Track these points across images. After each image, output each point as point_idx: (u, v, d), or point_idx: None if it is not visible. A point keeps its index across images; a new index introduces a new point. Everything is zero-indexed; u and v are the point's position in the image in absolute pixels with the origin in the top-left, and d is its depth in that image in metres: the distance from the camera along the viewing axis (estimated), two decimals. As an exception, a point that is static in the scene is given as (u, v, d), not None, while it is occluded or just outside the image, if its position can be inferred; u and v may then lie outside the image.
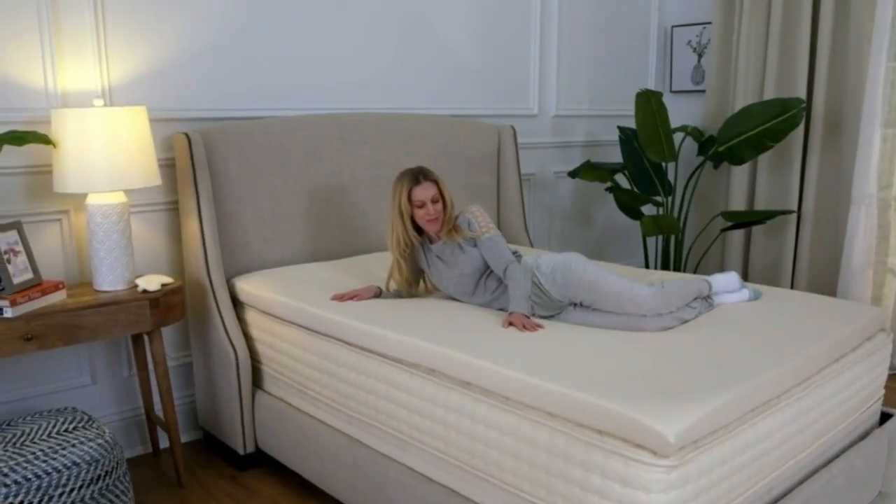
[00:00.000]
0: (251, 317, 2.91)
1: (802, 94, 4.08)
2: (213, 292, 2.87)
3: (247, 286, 2.91)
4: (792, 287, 4.28)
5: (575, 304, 2.50)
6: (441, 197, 2.58)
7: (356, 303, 2.64)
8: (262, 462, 2.93)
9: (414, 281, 2.78)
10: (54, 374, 2.85)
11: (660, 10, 4.80)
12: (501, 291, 2.58)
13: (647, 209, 4.48)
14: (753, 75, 4.30)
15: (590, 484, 1.76)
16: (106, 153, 2.53)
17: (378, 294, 2.74)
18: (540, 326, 2.35)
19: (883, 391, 2.63)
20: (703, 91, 4.61)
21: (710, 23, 4.53)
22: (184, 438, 3.15)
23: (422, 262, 2.74)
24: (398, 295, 2.78)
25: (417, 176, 2.58)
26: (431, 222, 2.59)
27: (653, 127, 3.78)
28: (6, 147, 2.53)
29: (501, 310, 2.57)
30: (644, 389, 1.82)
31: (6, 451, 2.24)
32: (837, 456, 2.33)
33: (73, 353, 2.88)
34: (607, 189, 4.18)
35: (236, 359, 2.82)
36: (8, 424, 2.44)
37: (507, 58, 4.10)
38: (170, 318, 2.68)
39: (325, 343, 2.54)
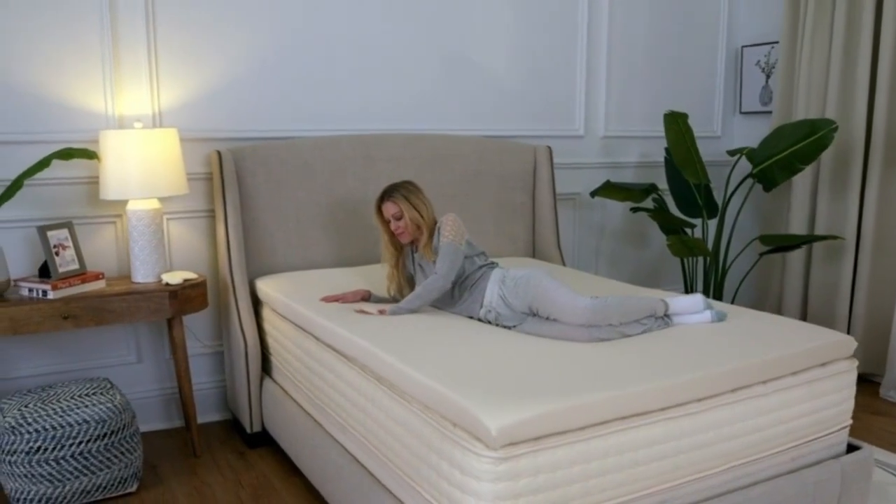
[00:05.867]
0: (266, 313, 3.29)
1: (862, 116, 3.89)
2: (234, 289, 3.29)
3: (263, 286, 3.30)
4: (850, 317, 4.04)
5: (534, 315, 2.64)
6: (403, 215, 2.81)
7: (340, 305, 2.93)
8: (271, 443, 3.30)
9: (407, 285, 3.02)
10: (107, 352, 3.39)
11: (729, 30, 4.71)
12: (466, 298, 2.77)
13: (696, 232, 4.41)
14: (815, 96, 4.13)
15: (441, 469, 1.93)
16: (140, 167, 3.02)
17: (367, 297, 3.02)
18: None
19: (849, 422, 2.52)
20: (771, 112, 4.46)
21: (777, 42, 4.40)
22: (214, 418, 3.60)
23: (410, 268, 2.98)
24: (394, 299, 3.02)
25: (384, 194, 2.84)
26: (399, 235, 2.84)
27: (684, 148, 3.76)
28: (76, 161, 3.11)
29: (469, 317, 2.76)
30: (501, 388, 1.95)
31: (35, 405, 2.76)
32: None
33: (123, 335, 3.41)
34: (632, 210, 4.18)
35: (245, 348, 3.21)
36: (49, 386, 2.98)
37: (552, 81, 4.23)
38: (188, 309, 3.12)
39: (303, 336, 2.86)
